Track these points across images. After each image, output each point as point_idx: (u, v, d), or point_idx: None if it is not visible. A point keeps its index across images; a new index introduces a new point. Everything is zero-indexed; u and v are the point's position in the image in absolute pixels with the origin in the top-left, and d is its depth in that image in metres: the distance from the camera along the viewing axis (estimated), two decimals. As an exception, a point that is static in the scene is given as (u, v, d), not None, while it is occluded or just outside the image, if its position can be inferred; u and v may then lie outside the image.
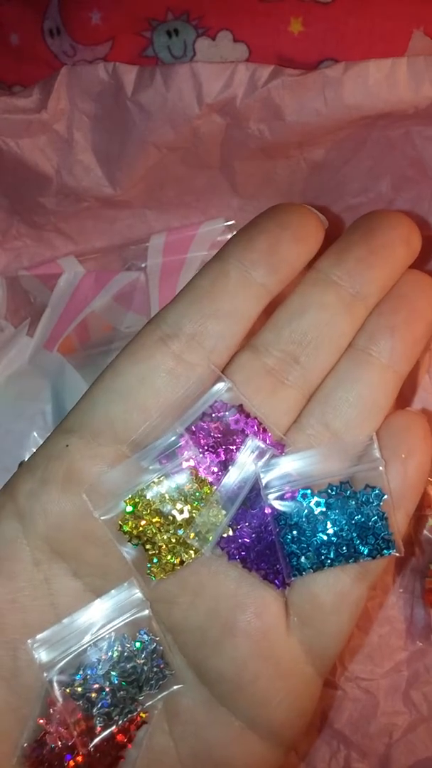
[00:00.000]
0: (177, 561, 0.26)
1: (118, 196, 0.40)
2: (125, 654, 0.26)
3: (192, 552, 0.26)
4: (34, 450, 0.42)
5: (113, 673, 0.26)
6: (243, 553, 0.26)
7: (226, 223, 0.45)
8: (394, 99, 0.34)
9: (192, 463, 0.26)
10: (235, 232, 0.45)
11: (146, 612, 0.26)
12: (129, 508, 0.26)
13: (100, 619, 0.26)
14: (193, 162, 0.40)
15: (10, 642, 0.25)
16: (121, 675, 0.26)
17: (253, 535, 0.26)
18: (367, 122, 0.36)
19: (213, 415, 0.27)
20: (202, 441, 0.26)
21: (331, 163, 0.40)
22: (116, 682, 0.26)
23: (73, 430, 0.26)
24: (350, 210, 0.43)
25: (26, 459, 0.42)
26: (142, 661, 0.26)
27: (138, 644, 0.26)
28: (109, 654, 0.26)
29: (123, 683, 0.26)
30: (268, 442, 0.27)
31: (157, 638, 0.26)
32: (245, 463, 0.26)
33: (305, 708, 0.27)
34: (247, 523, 0.26)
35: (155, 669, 0.26)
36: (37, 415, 0.43)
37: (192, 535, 0.26)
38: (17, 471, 0.27)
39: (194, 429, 0.26)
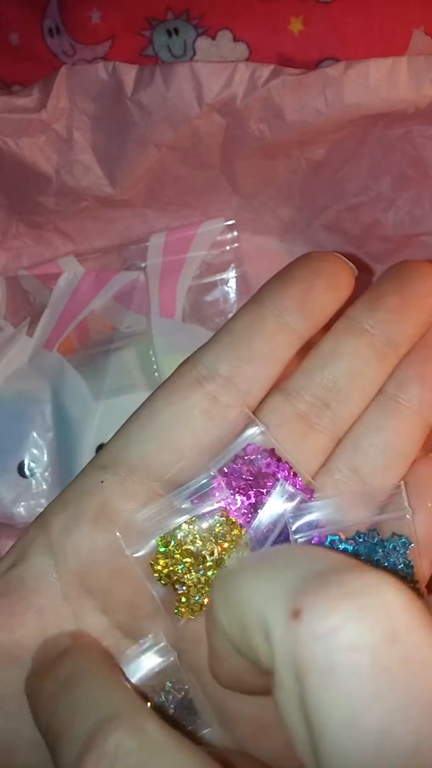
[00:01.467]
0: (205, 601, 0.26)
1: (118, 196, 0.40)
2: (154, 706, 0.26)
3: None
4: (35, 451, 0.43)
5: None
6: None
7: (226, 223, 0.45)
8: (394, 98, 0.34)
9: (223, 504, 0.26)
10: (235, 233, 0.46)
11: (172, 660, 0.26)
12: (161, 548, 0.26)
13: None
14: (193, 162, 0.40)
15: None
16: None
17: None
18: (367, 122, 0.36)
19: (245, 458, 0.27)
20: (233, 483, 0.27)
21: (331, 163, 0.40)
22: None
23: (107, 467, 0.27)
24: (350, 210, 0.42)
25: (26, 460, 0.42)
26: (170, 712, 0.26)
27: (162, 697, 0.26)
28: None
29: None
30: (297, 486, 0.27)
31: (185, 687, 0.26)
32: (275, 506, 0.27)
33: None
34: None
35: (184, 715, 0.26)
36: (36, 415, 0.43)
37: None
38: (50, 504, 0.28)
39: (227, 471, 0.27)
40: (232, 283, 0.46)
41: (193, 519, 0.26)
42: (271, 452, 0.27)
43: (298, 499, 0.27)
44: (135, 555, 0.26)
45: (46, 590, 0.26)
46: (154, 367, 0.43)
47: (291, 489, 0.27)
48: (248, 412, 0.27)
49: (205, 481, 0.26)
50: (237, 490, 0.27)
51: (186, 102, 0.35)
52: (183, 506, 0.26)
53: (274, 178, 0.41)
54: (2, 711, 0.24)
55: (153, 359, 0.43)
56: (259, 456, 0.27)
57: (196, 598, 0.26)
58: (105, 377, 0.43)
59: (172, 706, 0.26)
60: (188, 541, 0.26)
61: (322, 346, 0.29)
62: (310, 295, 0.28)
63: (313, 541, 0.27)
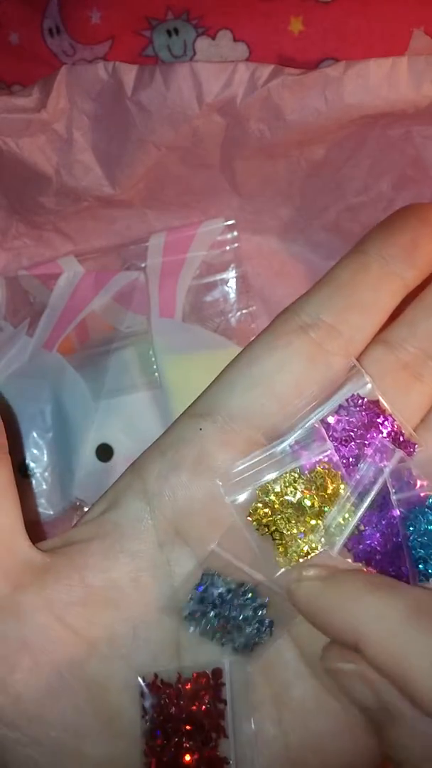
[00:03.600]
0: (303, 553, 0.26)
1: (118, 196, 0.40)
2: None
3: (319, 545, 0.26)
4: (35, 451, 0.43)
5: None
6: (369, 554, 0.26)
7: (226, 223, 0.45)
8: (394, 98, 0.34)
9: (326, 455, 0.26)
10: (235, 233, 0.46)
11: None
12: (260, 497, 0.26)
13: None
14: (193, 162, 0.40)
15: (130, 619, 0.25)
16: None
17: (381, 538, 0.26)
18: (367, 121, 0.36)
19: (349, 409, 0.26)
20: (336, 434, 0.26)
21: (331, 163, 0.40)
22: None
23: (206, 415, 0.26)
24: (350, 210, 0.42)
25: (26, 460, 0.42)
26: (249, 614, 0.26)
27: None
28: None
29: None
30: (401, 440, 0.26)
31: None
32: (377, 461, 0.26)
33: None
34: (374, 525, 0.26)
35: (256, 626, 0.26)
36: (36, 415, 0.43)
37: (321, 529, 0.26)
38: (146, 451, 0.27)
39: (329, 421, 0.26)
40: (232, 283, 0.46)
41: (294, 469, 0.26)
42: (376, 404, 0.27)
43: (400, 455, 0.26)
44: (234, 503, 0.25)
45: (141, 535, 0.26)
46: (154, 367, 0.43)
47: (391, 446, 0.26)
48: (355, 362, 0.27)
49: (308, 430, 0.26)
50: (340, 441, 0.26)
51: (186, 102, 0.35)
52: (284, 456, 0.26)
53: (274, 178, 0.41)
54: (96, 653, 0.24)
55: (153, 359, 0.43)
56: (363, 407, 0.26)
57: (295, 548, 0.26)
58: (105, 377, 0.43)
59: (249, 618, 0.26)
60: (288, 491, 0.26)
61: (426, 296, 0.29)
62: (417, 243, 0.27)
63: (414, 500, 0.26)
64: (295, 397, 0.26)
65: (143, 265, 0.45)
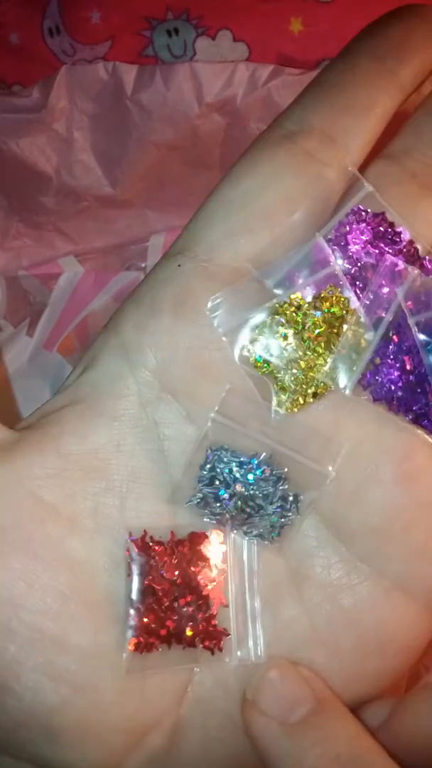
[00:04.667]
0: (311, 392, 0.22)
1: (118, 196, 0.40)
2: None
3: (329, 383, 0.22)
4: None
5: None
6: (389, 392, 0.22)
7: (226, 223, 0.45)
8: (394, 98, 0.34)
9: (331, 275, 0.22)
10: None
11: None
12: (258, 328, 0.22)
13: None
14: (193, 162, 0.40)
15: (116, 489, 0.22)
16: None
17: (400, 370, 0.22)
18: (367, 122, 0.36)
19: (351, 224, 0.22)
20: (341, 255, 0.22)
21: (331, 163, 0.40)
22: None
23: (184, 250, 0.23)
24: (350, 210, 0.42)
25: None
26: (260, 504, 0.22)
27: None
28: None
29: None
30: (415, 255, 0.23)
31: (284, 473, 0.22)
32: (390, 281, 0.22)
33: None
34: (392, 356, 0.22)
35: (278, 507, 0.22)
36: (36, 415, 0.43)
37: (331, 361, 0.22)
38: (122, 303, 0.24)
39: (332, 238, 0.22)
40: (232, 283, 0.46)
41: (295, 296, 0.22)
42: (382, 217, 0.23)
43: (415, 273, 0.22)
44: (227, 338, 0.22)
45: (121, 395, 0.22)
46: (154, 367, 0.43)
47: (404, 263, 0.22)
48: (353, 170, 0.23)
49: (304, 250, 0.22)
50: (345, 258, 0.22)
51: (186, 102, 0.35)
52: (279, 281, 0.22)
53: (274, 178, 0.41)
54: (79, 529, 0.21)
55: (153, 359, 0.43)
56: (367, 221, 0.23)
57: (302, 387, 0.22)
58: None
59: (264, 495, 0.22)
60: (290, 319, 0.22)
61: (430, 101, 0.25)
62: (411, 38, 0.24)
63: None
64: (286, 217, 0.22)
65: (143, 265, 0.45)
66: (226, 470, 0.22)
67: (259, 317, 0.22)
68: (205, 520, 0.22)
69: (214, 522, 0.22)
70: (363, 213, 0.23)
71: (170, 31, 0.37)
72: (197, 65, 0.34)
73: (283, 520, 0.22)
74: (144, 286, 0.23)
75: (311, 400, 0.22)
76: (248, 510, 0.22)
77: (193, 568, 0.22)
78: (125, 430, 0.22)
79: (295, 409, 0.22)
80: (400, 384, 0.22)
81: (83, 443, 0.22)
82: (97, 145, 0.38)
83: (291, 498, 0.22)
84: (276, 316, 0.22)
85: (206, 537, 0.22)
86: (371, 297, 0.22)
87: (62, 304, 0.45)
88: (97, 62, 0.36)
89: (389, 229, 0.23)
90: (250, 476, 0.22)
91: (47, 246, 0.45)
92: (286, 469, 0.22)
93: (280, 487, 0.22)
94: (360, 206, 0.22)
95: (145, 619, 0.21)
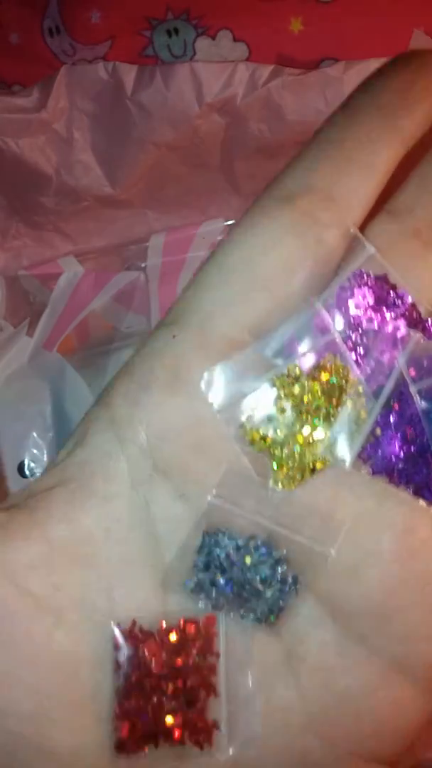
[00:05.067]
0: (309, 467, 0.21)
1: (118, 196, 0.40)
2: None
3: (328, 457, 0.21)
4: (35, 451, 0.43)
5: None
6: (390, 463, 0.21)
7: (226, 223, 0.45)
8: (394, 98, 0.34)
9: (330, 346, 0.21)
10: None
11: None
12: (254, 403, 0.21)
13: None
14: (193, 162, 0.40)
15: (105, 579, 0.21)
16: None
17: (401, 441, 0.21)
18: (367, 122, 0.36)
19: (354, 288, 0.22)
20: (341, 319, 0.22)
21: (331, 163, 0.40)
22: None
23: (180, 320, 0.22)
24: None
25: (26, 460, 0.42)
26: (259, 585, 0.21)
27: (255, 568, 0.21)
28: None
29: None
30: (418, 319, 0.22)
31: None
32: (392, 348, 0.21)
33: None
34: (393, 426, 0.21)
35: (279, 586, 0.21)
36: (36, 415, 0.43)
37: (329, 436, 0.21)
38: (115, 375, 0.23)
39: (332, 304, 0.21)
40: (232, 283, 0.46)
41: (294, 366, 0.21)
42: (384, 279, 0.22)
43: (417, 338, 0.21)
44: (222, 413, 0.21)
45: (111, 474, 0.21)
46: (154, 367, 0.43)
47: (406, 328, 0.22)
48: (355, 230, 0.22)
49: (304, 318, 0.21)
50: (345, 327, 0.21)
51: (186, 102, 0.35)
52: (277, 351, 0.21)
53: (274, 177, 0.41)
54: (65, 622, 0.20)
55: (153, 359, 0.43)
56: (369, 285, 0.22)
57: (299, 462, 0.21)
58: (105, 377, 0.43)
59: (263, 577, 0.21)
60: (287, 393, 0.21)
61: None
62: (414, 87, 0.23)
63: None
64: (287, 284, 0.21)
65: (143, 265, 0.45)
66: (223, 555, 0.21)
67: (256, 391, 0.21)
68: (199, 605, 0.21)
69: (209, 607, 0.21)
70: (365, 276, 0.22)
71: (170, 31, 0.37)
72: (197, 65, 0.34)
73: (281, 602, 0.21)
74: (137, 357, 0.22)
75: (309, 475, 0.21)
76: (245, 594, 0.21)
77: (183, 658, 0.21)
78: (116, 513, 0.21)
79: (293, 486, 0.21)
80: (401, 455, 0.21)
81: (71, 528, 0.21)
82: (97, 145, 0.38)
83: (290, 580, 0.21)
84: (273, 389, 0.21)
85: (197, 623, 0.21)
86: (372, 365, 0.21)
87: (62, 304, 0.45)
88: (97, 62, 0.36)
89: (391, 292, 0.22)
90: (248, 559, 0.21)
91: (47, 246, 0.45)
92: (285, 551, 0.21)
93: (279, 570, 0.21)
94: (362, 269, 0.22)
95: (132, 718, 0.20)
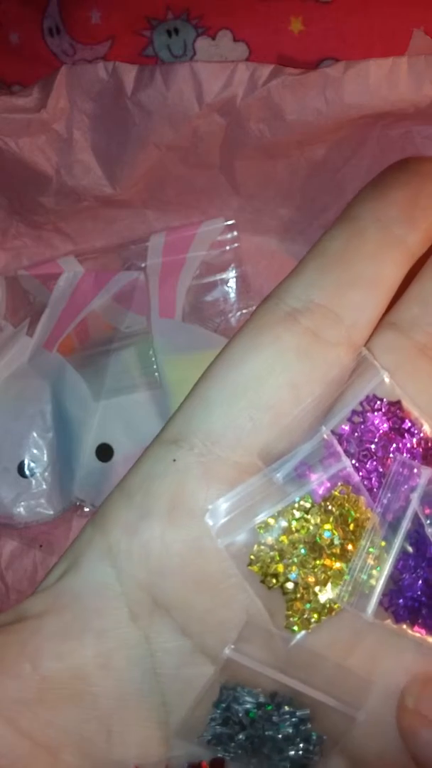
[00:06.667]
0: (326, 608, 0.20)
1: (118, 196, 0.40)
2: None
3: (345, 597, 0.20)
4: (35, 451, 0.43)
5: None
6: (413, 610, 0.20)
7: (225, 223, 0.45)
8: (394, 98, 0.34)
9: (343, 476, 0.20)
10: (235, 233, 0.46)
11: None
12: (262, 537, 0.20)
13: None
14: (193, 162, 0.40)
15: (103, 718, 0.20)
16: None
17: (424, 585, 0.20)
18: (367, 121, 0.36)
19: (366, 414, 0.21)
20: (353, 447, 0.21)
21: (331, 163, 0.40)
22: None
23: (180, 439, 0.21)
24: (350, 209, 0.42)
25: (26, 460, 0.42)
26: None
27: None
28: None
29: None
30: (430, 449, 0.21)
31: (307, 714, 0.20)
32: (405, 483, 0.20)
33: None
34: (413, 570, 0.20)
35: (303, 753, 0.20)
36: (36, 415, 0.43)
37: (346, 576, 0.20)
38: (109, 496, 0.22)
39: (344, 432, 0.21)
40: (232, 283, 0.46)
41: (305, 497, 0.20)
42: (398, 405, 0.21)
43: (429, 473, 0.20)
44: (229, 549, 0.20)
45: (107, 608, 0.20)
46: (154, 367, 0.43)
47: (417, 464, 0.20)
48: (366, 353, 0.21)
49: (314, 445, 0.20)
50: (357, 456, 0.20)
51: (186, 102, 0.35)
52: (287, 481, 0.20)
53: (274, 178, 0.41)
54: (61, 763, 0.19)
55: (153, 359, 0.43)
56: (383, 411, 0.21)
57: (314, 603, 0.20)
58: (105, 377, 0.43)
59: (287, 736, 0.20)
60: (299, 526, 0.20)
61: None
62: (418, 200, 0.23)
63: None
64: (294, 405, 0.21)
65: (143, 265, 0.45)
66: (242, 711, 0.20)
67: (265, 524, 0.20)
68: (221, 754, 0.20)
69: (227, 755, 0.20)
70: (377, 402, 0.21)
71: (170, 31, 0.37)
72: (197, 65, 0.34)
73: (305, 761, 0.20)
74: (135, 478, 0.21)
75: (326, 616, 0.19)
76: (266, 751, 0.20)
77: None
78: (112, 648, 0.20)
79: (309, 628, 0.19)
80: (423, 599, 0.20)
81: (66, 663, 0.20)
82: (97, 145, 0.38)
83: (315, 738, 0.20)
84: (283, 522, 0.20)
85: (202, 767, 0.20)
86: (387, 496, 0.20)
87: (62, 304, 0.45)
88: (97, 62, 0.36)
89: (405, 421, 0.21)
90: (270, 717, 0.20)
91: (47, 246, 0.45)
92: (308, 711, 0.20)
93: (303, 728, 0.20)
94: (374, 394, 0.21)
95: None
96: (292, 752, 0.20)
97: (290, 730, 0.19)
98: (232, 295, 0.46)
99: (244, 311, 0.46)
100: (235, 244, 0.46)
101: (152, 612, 0.20)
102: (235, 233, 0.46)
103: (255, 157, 0.39)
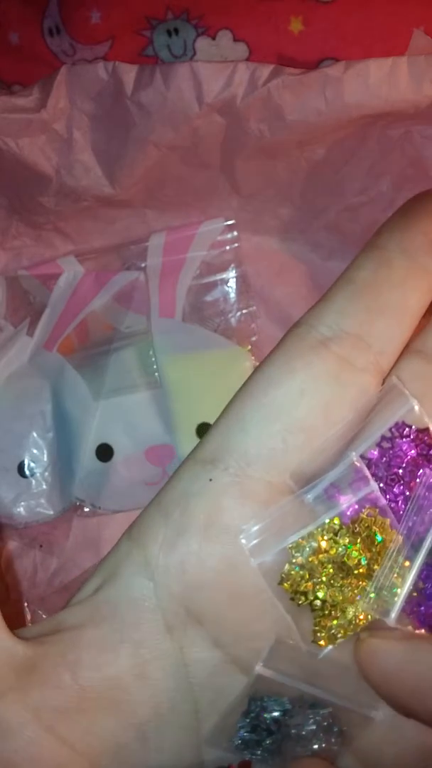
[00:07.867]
0: (353, 624, 0.21)
1: (118, 196, 0.40)
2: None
3: (371, 613, 0.21)
4: (35, 451, 0.43)
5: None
6: None
7: (226, 223, 0.45)
8: (394, 98, 0.34)
9: (371, 499, 0.21)
10: (235, 233, 0.45)
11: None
12: (293, 557, 0.21)
13: None
14: (193, 162, 0.40)
15: (137, 724, 0.21)
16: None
17: None
18: (367, 121, 0.36)
19: (395, 440, 0.22)
20: (381, 472, 0.22)
21: (331, 163, 0.40)
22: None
23: (216, 460, 0.22)
24: (350, 210, 0.42)
25: (26, 460, 0.42)
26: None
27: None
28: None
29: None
30: None
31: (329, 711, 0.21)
32: (427, 505, 0.21)
33: None
34: None
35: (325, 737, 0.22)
36: (36, 415, 0.43)
37: (371, 592, 0.21)
38: (146, 510, 0.23)
39: (373, 456, 0.22)
40: (232, 283, 0.46)
41: (333, 519, 0.21)
42: (426, 432, 0.22)
43: None
44: (261, 567, 0.21)
45: (144, 619, 0.21)
46: (154, 367, 0.43)
47: None
48: (397, 381, 0.22)
49: (344, 469, 0.21)
50: (385, 481, 0.22)
51: (186, 102, 0.35)
52: (318, 503, 0.21)
53: (274, 178, 0.41)
54: None
55: (153, 359, 0.43)
56: (411, 438, 0.22)
57: (341, 619, 0.21)
58: (105, 377, 0.43)
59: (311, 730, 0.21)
60: (328, 547, 0.21)
61: None
62: None
63: None
64: (325, 428, 0.22)
65: (143, 265, 0.45)
66: (270, 719, 0.21)
67: (296, 545, 0.21)
68: (250, 758, 0.21)
69: (254, 758, 0.21)
70: (406, 429, 0.22)
71: (170, 31, 0.37)
72: (197, 65, 0.34)
73: (325, 747, 0.21)
74: (173, 494, 0.22)
75: (353, 631, 0.21)
76: (289, 746, 0.21)
77: None
78: (148, 657, 0.21)
79: (336, 643, 0.21)
80: None
81: (104, 673, 0.21)
82: (97, 145, 0.38)
83: (336, 730, 0.21)
84: (313, 543, 0.21)
85: None
86: (413, 518, 0.21)
87: (62, 304, 0.45)
88: (97, 62, 0.36)
89: None
90: (296, 719, 0.21)
91: (47, 246, 0.45)
92: (330, 709, 0.21)
93: (326, 724, 0.21)
94: (403, 421, 0.22)
95: None
96: (316, 746, 0.21)
97: (314, 727, 0.21)
98: (232, 295, 0.46)
99: (244, 311, 0.46)
100: (235, 244, 0.46)
101: (186, 624, 0.21)
102: (235, 233, 0.46)
103: (255, 157, 0.39)
